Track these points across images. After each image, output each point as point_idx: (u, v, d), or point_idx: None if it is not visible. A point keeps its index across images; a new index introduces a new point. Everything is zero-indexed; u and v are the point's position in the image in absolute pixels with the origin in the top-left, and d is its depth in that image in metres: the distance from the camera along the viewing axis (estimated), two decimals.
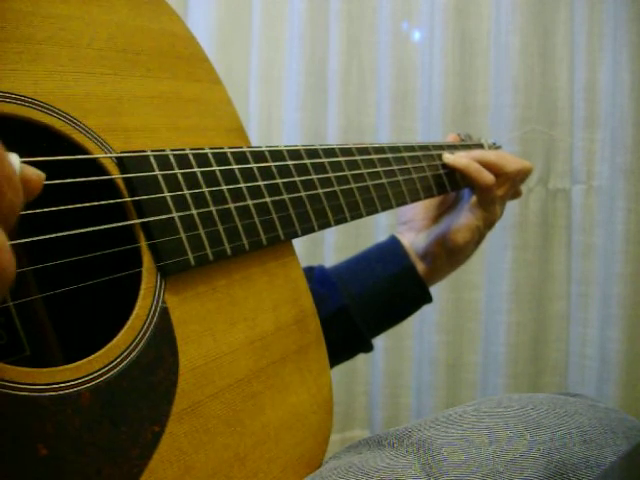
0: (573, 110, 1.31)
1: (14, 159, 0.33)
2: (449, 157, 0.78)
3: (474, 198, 0.80)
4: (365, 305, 0.79)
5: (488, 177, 0.77)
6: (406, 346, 1.43)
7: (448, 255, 0.81)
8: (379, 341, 1.41)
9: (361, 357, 1.44)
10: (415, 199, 0.72)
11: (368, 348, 0.81)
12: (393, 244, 0.82)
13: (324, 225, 0.58)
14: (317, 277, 0.79)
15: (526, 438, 0.47)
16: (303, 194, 0.57)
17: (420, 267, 0.81)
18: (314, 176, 0.58)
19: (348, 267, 0.82)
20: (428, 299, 0.83)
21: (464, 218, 0.80)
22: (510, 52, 1.30)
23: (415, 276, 0.80)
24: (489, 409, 0.50)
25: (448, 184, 0.78)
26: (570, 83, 1.31)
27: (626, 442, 0.48)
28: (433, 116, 1.34)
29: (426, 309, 1.38)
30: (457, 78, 1.33)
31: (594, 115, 1.29)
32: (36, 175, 0.34)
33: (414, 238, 0.83)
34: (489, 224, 0.81)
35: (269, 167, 0.55)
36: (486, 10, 1.34)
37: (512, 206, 1.30)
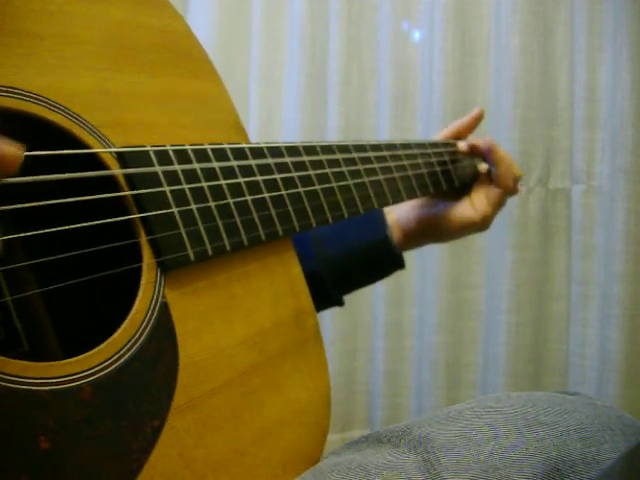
0: (573, 110, 1.31)
1: None
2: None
3: (481, 195, 0.80)
4: (338, 268, 0.80)
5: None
6: (406, 346, 1.42)
7: (431, 235, 0.83)
8: (379, 341, 1.41)
9: (361, 357, 1.44)
10: (411, 196, 0.73)
11: (339, 304, 0.83)
12: (377, 212, 0.82)
13: (321, 222, 0.59)
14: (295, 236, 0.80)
15: (524, 435, 0.47)
16: (301, 190, 0.57)
17: (397, 236, 0.82)
18: (312, 172, 0.59)
19: (332, 227, 0.83)
20: (401, 267, 0.83)
21: (464, 210, 0.80)
22: (510, 52, 1.29)
23: (391, 247, 0.80)
24: (488, 407, 0.50)
25: (444, 182, 0.78)
26: (570, 83, 1.31)
27: (624, 439, 0.48)
28: (433, 116, 1.34)
29: (426, 309, 1.40)
30: (457, 78, 1.33)
31: (594, 115, 1.29)
32: (12, 153, 0.34)
33: (401, 206, 0.83)
34: (485, 225, 0.82)
35: (267, 163, 0.55)
36: (486, 10, 1.34)
37: (512, 206, 1.30)
